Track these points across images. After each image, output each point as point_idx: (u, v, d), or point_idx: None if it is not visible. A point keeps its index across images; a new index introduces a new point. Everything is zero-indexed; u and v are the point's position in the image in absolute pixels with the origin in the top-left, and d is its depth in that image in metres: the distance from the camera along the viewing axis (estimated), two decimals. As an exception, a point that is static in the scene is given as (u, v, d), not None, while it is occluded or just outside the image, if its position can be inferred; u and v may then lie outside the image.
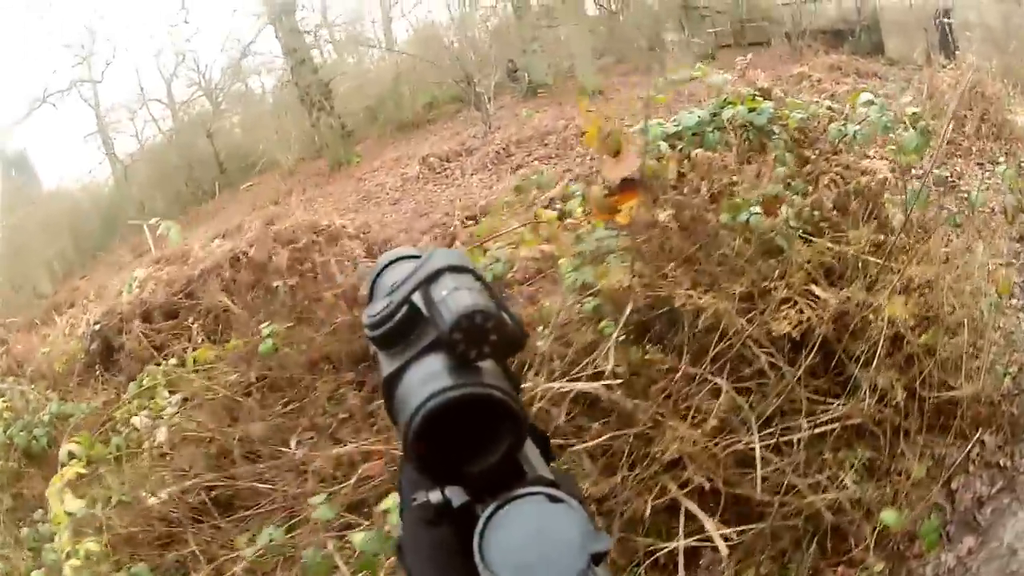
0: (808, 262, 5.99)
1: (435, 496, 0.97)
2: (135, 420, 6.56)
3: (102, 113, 37.24)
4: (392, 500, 4.34)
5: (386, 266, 1.28)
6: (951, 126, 13.47)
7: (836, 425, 5.42)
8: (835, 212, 6.65)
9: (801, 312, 5.56)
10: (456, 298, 0.99)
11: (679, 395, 5.30)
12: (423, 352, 1.03)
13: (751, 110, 7.19)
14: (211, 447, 6.10)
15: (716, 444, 5.08)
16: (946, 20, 23.11)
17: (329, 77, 29.86)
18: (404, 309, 1.06)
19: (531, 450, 1.05)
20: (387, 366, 1.04)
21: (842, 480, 5.26)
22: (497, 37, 32.97)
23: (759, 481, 5.00)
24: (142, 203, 33.61)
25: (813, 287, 5.83)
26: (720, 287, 5.64)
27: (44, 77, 39.26)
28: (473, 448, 0.99)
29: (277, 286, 8.98)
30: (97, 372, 9.79)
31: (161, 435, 6.30)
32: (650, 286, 5.66)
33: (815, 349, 5.48)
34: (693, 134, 7.04)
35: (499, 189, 16.29)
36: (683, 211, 6.21)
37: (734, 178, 6.71)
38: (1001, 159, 12.86)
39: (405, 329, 1.06)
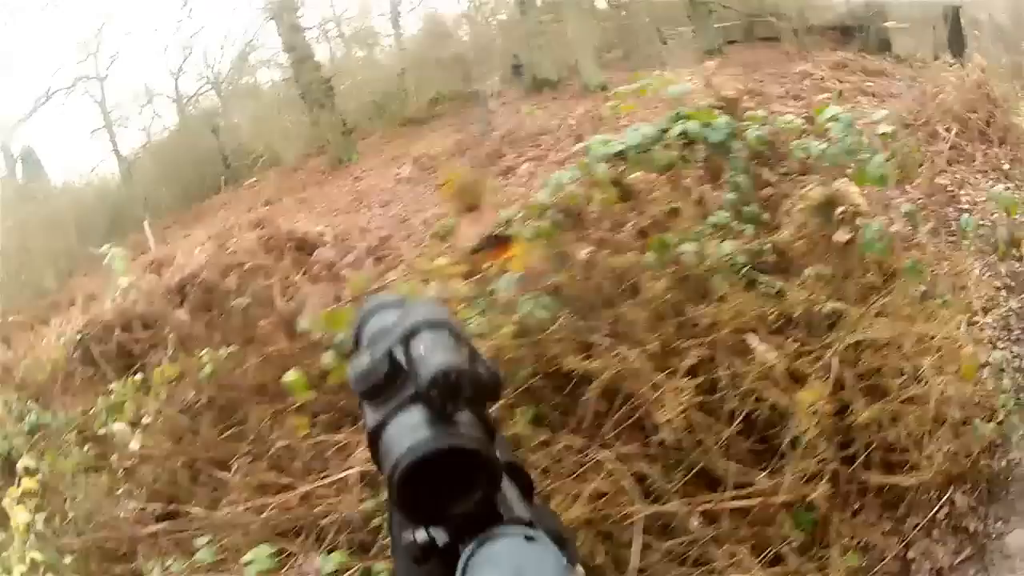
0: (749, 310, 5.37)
1: (421, 536, 1.08)
2: (108, 430, 6.65)
3: (108, 108, 36.75)
4: (254, 554, 4.54)
5: (369, 314, 1.34)
6: (952, 132, 12.93)
7: (756, 502, 4.75)
8: (798, 244, 6.04)
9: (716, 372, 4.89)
10: (432, 357, 1.08)
11: (562, 469, 4.77)
12: (404, 404, 1.10)
13: (706, 125, 6.55)
14: (163, 467, 6.13)
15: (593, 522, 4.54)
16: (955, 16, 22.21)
17: (331, 74, 29.27)
18: (386, 364, 1.13)
19: (509, 490, 1.13)
20: (371, 418, 1.13)
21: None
22: (502, 32, 32.69)
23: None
24: (145, 199, 33.65)
25: (751, 338, 5.08)
26: (634, 340, 5.05)
27: (49, 73, 37.61)
28: (453, 492, 1.07)
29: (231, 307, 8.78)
30: (78, 381, 9.57)
31: (126, 447, 6.32)
32: (542, 343, 5.11)
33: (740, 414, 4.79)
34: (639, 153, 6.44)
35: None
36: (603, 248, 5.77)
37: (675, 205, 6.23)
38: (1006, 165, 12.16)
39: (387, 383, 1.12)
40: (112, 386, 7.25)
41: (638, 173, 6.44)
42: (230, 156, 34.40)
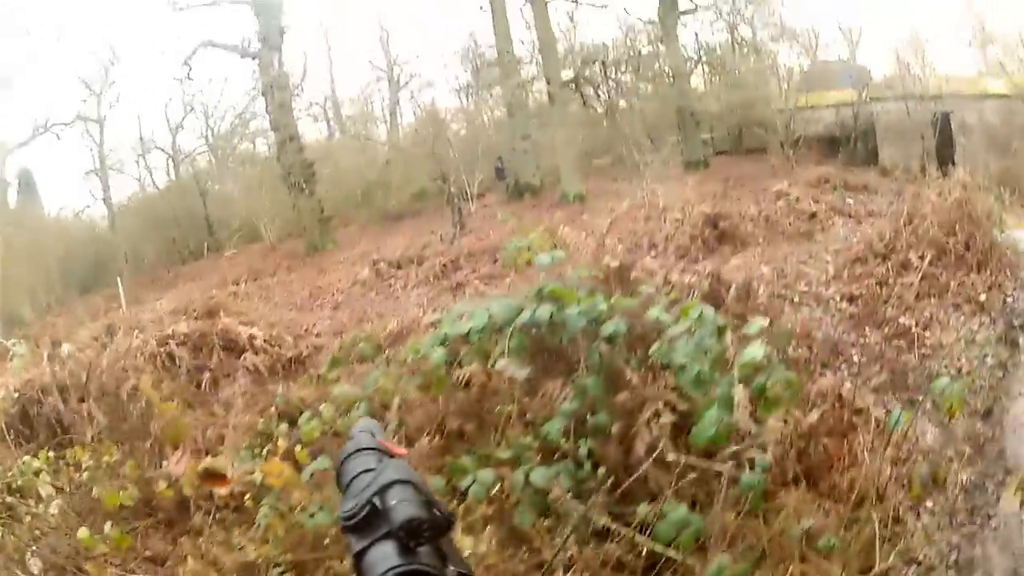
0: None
1: None
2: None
3: (105, 151, 36.03)
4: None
5: (349, 456, 1.70)
6: (927, 259, 11.30)
7: None
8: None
9: None
10: (400, 508, 1.44)
11: None
12: (381, 538, 1.43)
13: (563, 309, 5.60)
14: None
15: None
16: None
17: (315, 158, 28.52)
18: (367, 510, 1.47)
19: None
20: (356, 545, 1.45)
21: None
22: (491, 132, 31.91)
23: None
24: (125, 254, 33.21)
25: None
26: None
27: (51, 104, 38.91)
28: None
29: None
30: (11, 437, 9.07)
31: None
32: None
33: None
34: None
35: (423, 312, 14.49)
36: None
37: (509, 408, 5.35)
38: (982, 295, 10.60)
39: (368, 521, 1.46)
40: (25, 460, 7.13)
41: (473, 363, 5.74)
42: (215, 223, 33.81)
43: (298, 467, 5.44)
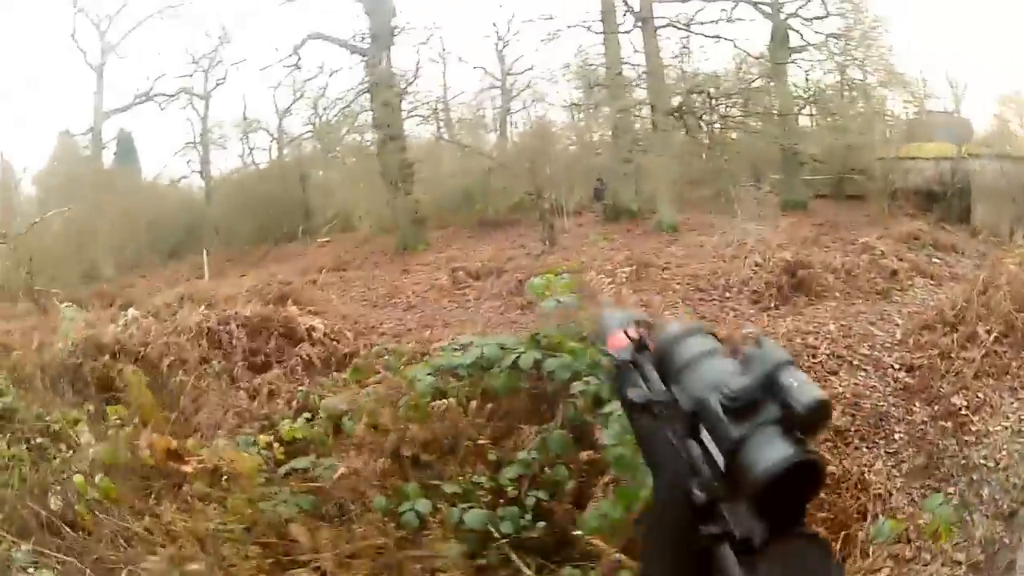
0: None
1: (715, 529, 1.33)
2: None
3: (209, 127, 37.45)
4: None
5: (675, 342, 1.52)
6: (992, 335, 10.92)
7: None
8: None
9: None
10: (806, 390, 1.30)
11: None
12: (768, 424, 1.29)
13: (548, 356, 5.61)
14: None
15: None
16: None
17: (415, 159, 28.46)
18: (759, 391, 1.31)
19: None
20: (735, 431, 1.30)
21: None
22: (594, 153, 31.52)
23: None
24: (216, 227, 33.98)
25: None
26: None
27: (159, 75, 38.10)
28: (792, 494, 1.28)
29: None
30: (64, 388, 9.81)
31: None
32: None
33: None
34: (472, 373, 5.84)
35: (493, 327, 14.61)
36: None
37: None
38: None
39: (755, 405, 1.31)
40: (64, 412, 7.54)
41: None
42: (312, 209, 34.11)
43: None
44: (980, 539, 6.97)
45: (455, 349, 6.15)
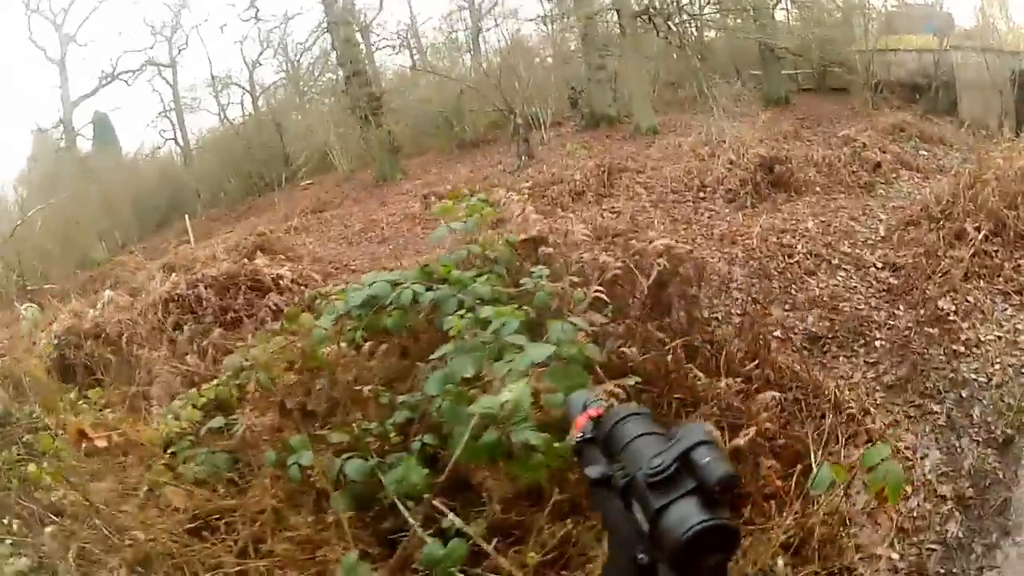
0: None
1: None
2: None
3: (183, 92, 37.77)
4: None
5: (619, 420, 1.69)
6: (982, 232, 9.76)
7: None
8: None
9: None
10: (715, 466, 1.43)
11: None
12: (686, 495, 1.43)
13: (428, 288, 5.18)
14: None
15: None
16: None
17: (382, 91, 28.17)
18: (674, 466, 1.46)
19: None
20: (656, 501, 1.45)
21: None
22: (562, 63, 30.83)
23: None
24: (198, 190, 33.80)
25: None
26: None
27: (120, 53, 41.07)
28: (709, 554, 1.42)
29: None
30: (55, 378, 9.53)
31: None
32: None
33: None
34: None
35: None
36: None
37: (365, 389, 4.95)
38: None
39: (673, 478, 1.45)
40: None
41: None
42: (292, 155, 33.44)
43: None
44: (969, 469, 5.96)
45: (355, 289, 5.47)
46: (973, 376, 7.39)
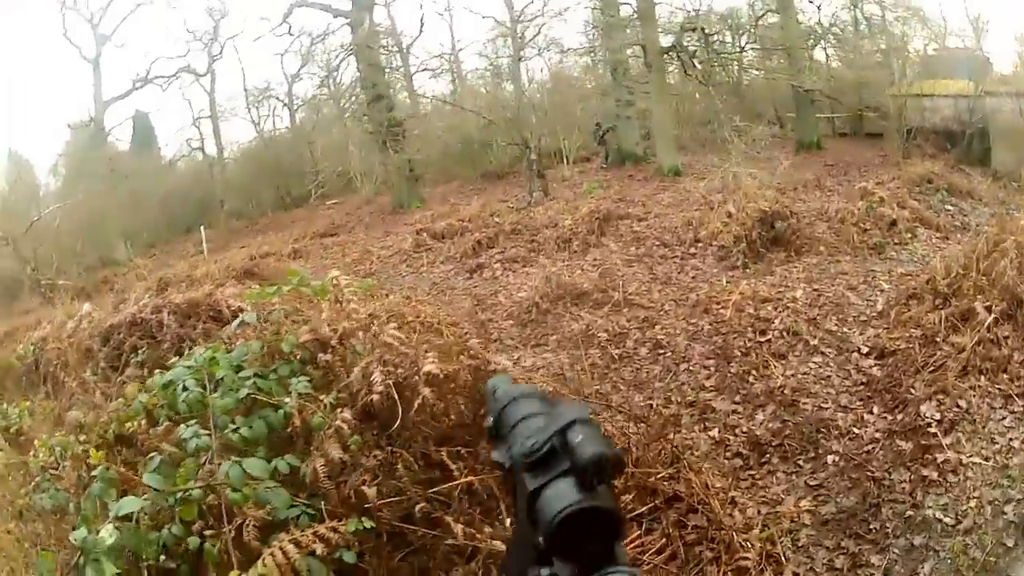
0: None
1: (545, 571, 1.26)
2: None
3: (222, 100, 36.79)
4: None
5: (510, 402, 1.46)
6: (994, 313, 7.75)
7: None
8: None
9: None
10: (586, 445, 1.24)
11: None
12: (560, 475, 1.25)
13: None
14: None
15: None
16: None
17: (404, 116, 27.15)
18: (549, 446, 1.28)
19: (619, 544, 1.29)
20: (531, 483, 1.27)
21: None
22: (600, 96, 28.95)
23: None
24: (221, 201, 33.06)
25: None
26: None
27: (158, 57, 39.45)
28: (588, 539, 1.24)
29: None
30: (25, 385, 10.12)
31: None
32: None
33: None
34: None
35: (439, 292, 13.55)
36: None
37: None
38: None
39: (548, 459, 1.27)
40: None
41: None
42: (321, 172, 32.51)
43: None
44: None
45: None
46: (938, 515, 5.57)
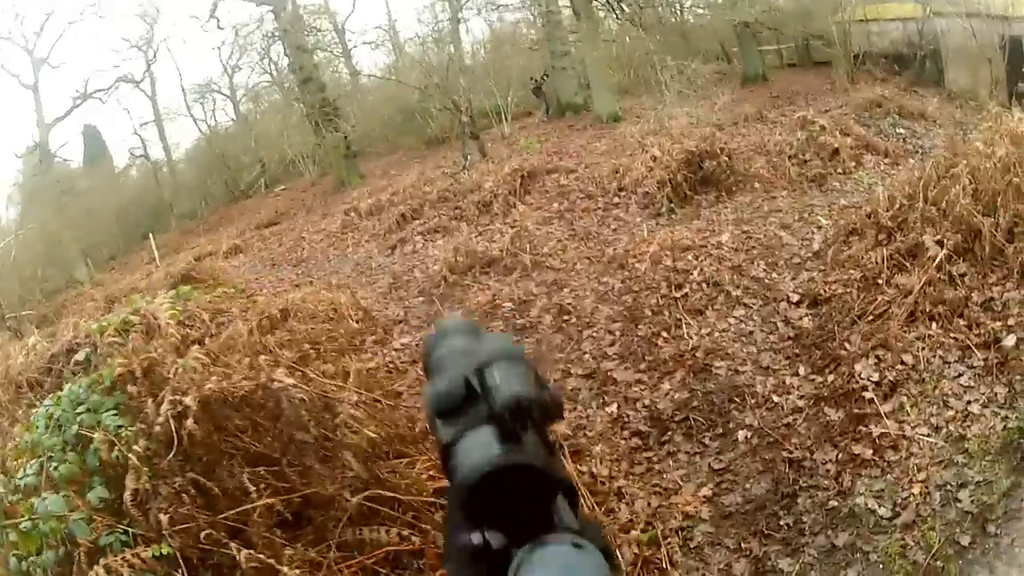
0: None
1: (476, 538, 0.98)
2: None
3: (165, 102, 36.20)
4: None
5: (441, 338, 1.23)
6: (945, 246, 6.43)
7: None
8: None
9: None
10: (508, 385, 1.02)
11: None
12: (477, 424, 1.03)
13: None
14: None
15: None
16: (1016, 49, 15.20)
17: (336, 95, 26.09)
18: (463, 388, 1.06)
19: (562, 504, 1.05)
20: (445, 433, 1.06)
21: None
22: (529, 54, 28.20)
23: None
24: (170, 204, 32.25)
25: None
26: None
27: (90, 72, 39.74)
28: (514, 501, 1.00)
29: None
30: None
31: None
32: None
33: None
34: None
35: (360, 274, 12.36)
36: None
37: None
38: (1010, 336, 5.50)
39: (463, 405, 1.06)
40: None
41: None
42: (267, 161, 31.65)
43: None
44: None
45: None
46: (871, 505, 4.34)
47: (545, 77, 23.94)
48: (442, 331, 1.25)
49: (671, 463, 5.10)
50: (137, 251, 27.89)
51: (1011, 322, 5.57)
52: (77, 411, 4.47)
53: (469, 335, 1.23)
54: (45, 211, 28.96)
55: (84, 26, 47.41)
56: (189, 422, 4.26)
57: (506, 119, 23.57)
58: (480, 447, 1.02)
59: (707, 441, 5.25)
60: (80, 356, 5.67)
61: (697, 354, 6.16)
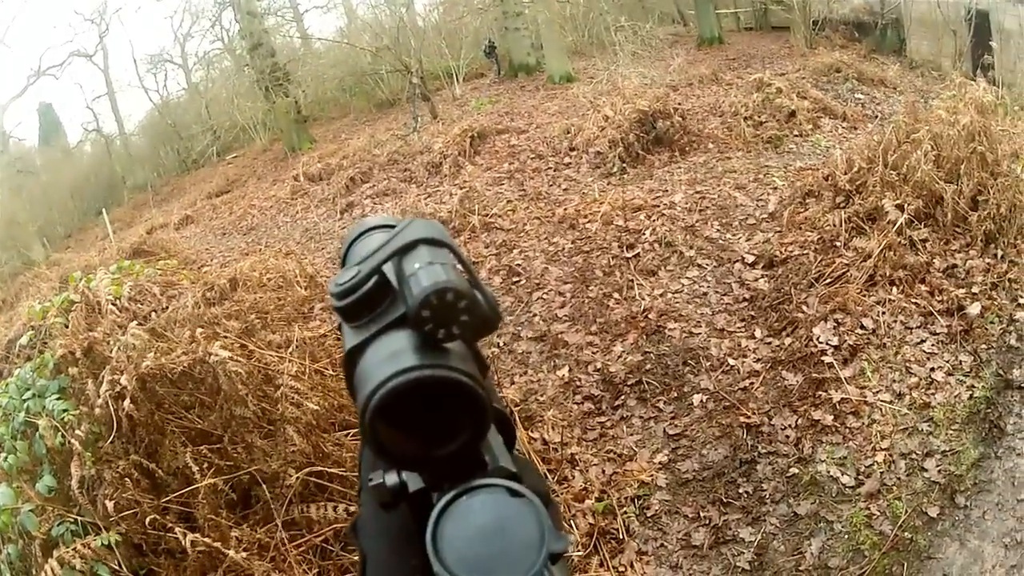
0: None
1: (391, 479, 0.81)
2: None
3: (119, 74, 36.75)
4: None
5: (361, 234, 1.00)
6: (905, 211, 6.21)
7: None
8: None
9: None
10: (428, 273, 0.77)
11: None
12: (389, 327, 0.80)
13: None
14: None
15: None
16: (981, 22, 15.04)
17: (287, 60, 25.49)
18: (373, 280, 0.82)
19: (494, 438, 0.85)
20: (350, 339, 0.82)
21: None
22: (478, 15, 27.29)
23: None
24: (123, 178, 31.64)
25: None
26: None
27: (47, 47, 40.89)
28: (433, 432, 0.79)
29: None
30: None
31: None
32: None
33: None
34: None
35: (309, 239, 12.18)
36: None
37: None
38: (975, 304, 5.30)
39: (372, 301, 0.82)
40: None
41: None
42: (219, 129, 30.71)
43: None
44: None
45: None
46: (833, 473, 4.15)
47: (492, 42, 23.80)
48: (364, 227, 1.03)
49: (625, 428, 4.87)
50: (92, 227, 27.22)
51: (975, 290, 5.42)
52: (24, 397, 4.28)
53: (378, 235, 0.98)
54: (1, 192, 28.68)
55: (38, 2, 46.11)
56: (126, 403, 4.00)
57: (458, 80, 23.20)
58: (390, 356, 0.78)
59: (661, 405, 5.02)
60: (24, 340, 5.28)
61: (650, 316, 5.91)
